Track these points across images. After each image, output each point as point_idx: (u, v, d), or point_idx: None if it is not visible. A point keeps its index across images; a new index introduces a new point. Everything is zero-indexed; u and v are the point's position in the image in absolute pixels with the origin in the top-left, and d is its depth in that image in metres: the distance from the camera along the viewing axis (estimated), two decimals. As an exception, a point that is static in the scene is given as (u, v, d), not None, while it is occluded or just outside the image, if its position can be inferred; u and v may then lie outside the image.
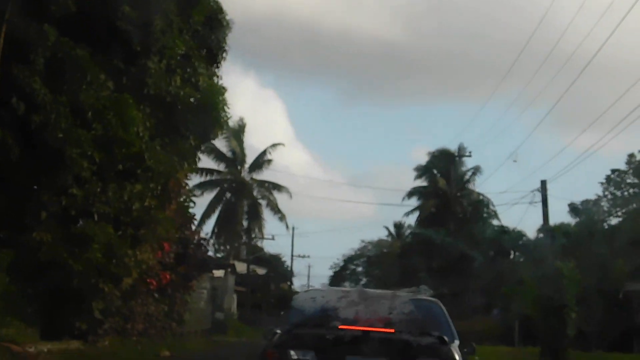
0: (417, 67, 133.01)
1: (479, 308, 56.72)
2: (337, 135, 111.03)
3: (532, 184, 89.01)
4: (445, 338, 9.32)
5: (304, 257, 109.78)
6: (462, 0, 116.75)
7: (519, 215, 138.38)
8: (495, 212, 65.09)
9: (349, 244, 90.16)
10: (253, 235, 63.59)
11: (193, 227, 35.99)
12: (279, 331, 9.71)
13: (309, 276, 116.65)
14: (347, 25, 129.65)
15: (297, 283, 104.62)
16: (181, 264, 29.29)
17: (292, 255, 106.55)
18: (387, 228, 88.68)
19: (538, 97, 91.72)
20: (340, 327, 9.38)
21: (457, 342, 9.90)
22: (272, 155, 63.72)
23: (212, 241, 63.21)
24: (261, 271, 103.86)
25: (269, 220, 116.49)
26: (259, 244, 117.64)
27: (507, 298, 49.93)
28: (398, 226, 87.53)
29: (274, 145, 63.80)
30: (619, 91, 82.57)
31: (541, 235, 57.34)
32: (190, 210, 32.33)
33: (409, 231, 79.86)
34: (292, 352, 9.04)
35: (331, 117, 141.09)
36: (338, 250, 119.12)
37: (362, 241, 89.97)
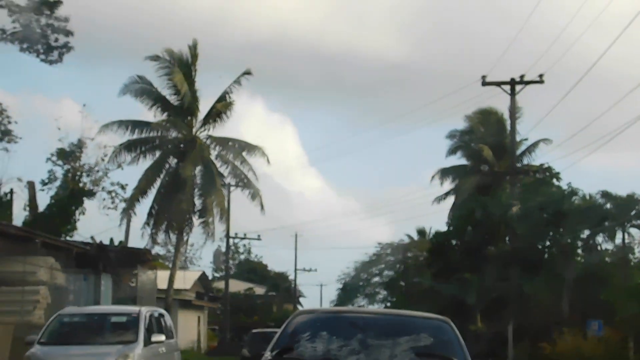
0: (425, 86, 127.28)
1: (564, 320, 35.34)
2: (348, 160, 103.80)
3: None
4: None
5: (309, 270, 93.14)
6: (468, 20, 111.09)
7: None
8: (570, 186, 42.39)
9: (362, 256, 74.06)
10: (210, 219, 42.11)
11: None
12: (268, 356, 9.09)
13: (321, 297, 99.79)
14: (352, 45, 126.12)
15: (307, 304, 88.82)
16: None
17: (295, 269, 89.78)
18: (408, 236, 69.15)
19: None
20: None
21: None
22: (234, 97, 42.76)
23: (148, 229, 42.13)
24: (260, 290, 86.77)
25: (240, 204, 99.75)
26: (241, 249, 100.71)
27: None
28: (421, 232, 68.13)
29: (237, 81, 42.74)
30: None
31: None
32: None
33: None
34: None
35: (341, 141, 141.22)
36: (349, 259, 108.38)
37: (379, 244, 70.22)
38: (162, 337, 17.66)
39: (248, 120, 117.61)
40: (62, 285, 23.12)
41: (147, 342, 17.24)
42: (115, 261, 31.42)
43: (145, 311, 18.11)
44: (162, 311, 20.13)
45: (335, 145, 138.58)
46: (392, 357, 9.01)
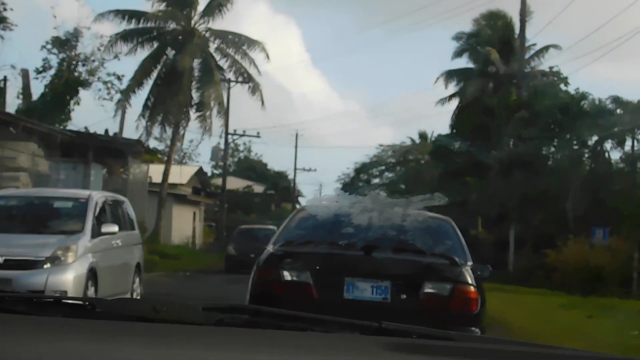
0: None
1: (568, 227, 34.42)
2: (352, 60, 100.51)
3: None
4: (457, 259, 8.69)
5: (309, 170, 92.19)
6: None
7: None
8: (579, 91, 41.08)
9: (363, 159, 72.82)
10: (207, 113, 40.98)
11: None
12: (270, 249, 8.81)
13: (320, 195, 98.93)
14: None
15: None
16: None
17: (295, 168, 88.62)
18: (410, 138, 68.09)
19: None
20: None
21: (470, 263, 8.95)
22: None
23: (143, 122, 41.03)
24: (259, 189, 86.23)
25: (240, 102, 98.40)
26: (241, 147, 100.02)
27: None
28: (423, 136, 66.92)
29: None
30: None
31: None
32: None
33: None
34: (284, 273, 8.36)
35: (346, 40, 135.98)
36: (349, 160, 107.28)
37: (380, 145, 68.96)
38: (115, 228, 14.73)
39: (251, 20, 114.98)
40: (46, 172, 22.01)
41: (97, 233, 14.31)
42: (106, 151, 30.35)
43: (97, 196, 15.06)
44: (121, 198, 17.07)
45: (339, 45, 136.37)
46: (404, 217, 8.96)
